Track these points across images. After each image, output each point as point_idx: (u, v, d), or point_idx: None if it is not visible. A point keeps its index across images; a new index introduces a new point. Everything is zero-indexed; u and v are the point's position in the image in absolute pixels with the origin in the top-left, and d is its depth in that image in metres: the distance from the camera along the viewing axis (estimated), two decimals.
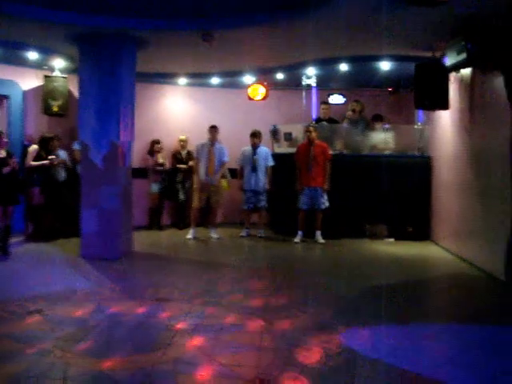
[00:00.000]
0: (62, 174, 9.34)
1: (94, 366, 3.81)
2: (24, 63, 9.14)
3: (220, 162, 9.80)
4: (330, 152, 9.50)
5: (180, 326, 4.75)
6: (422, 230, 9.63)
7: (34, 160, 9.03)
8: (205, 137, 9.90)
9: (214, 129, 9.78)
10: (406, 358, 4.09)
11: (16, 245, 8.37)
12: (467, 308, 5.62)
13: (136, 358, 4.00)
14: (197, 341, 4.37)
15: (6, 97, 9.51)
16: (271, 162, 9.91)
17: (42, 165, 9.00)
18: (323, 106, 10.76)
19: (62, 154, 9.47)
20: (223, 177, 10.49)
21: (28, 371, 3.69)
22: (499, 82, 6.50)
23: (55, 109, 9.52)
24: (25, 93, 9.63)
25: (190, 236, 9.66)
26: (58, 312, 5.11)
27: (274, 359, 3.99)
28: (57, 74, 9.52)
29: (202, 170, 9.69)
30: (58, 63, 9.27)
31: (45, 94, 9.44)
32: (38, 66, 9.30)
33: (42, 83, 9.53)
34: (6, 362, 3.86)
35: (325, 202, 9.29)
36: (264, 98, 10.47)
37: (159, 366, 3.83)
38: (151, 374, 3.68)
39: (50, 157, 9.05)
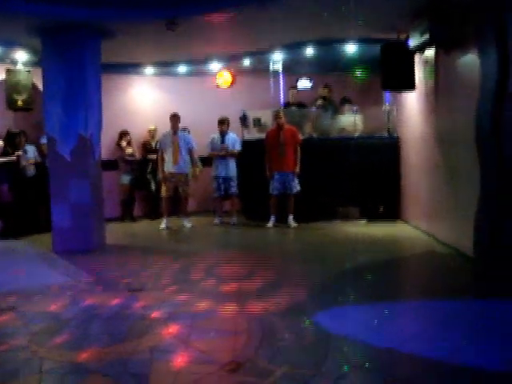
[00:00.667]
0: (30, 170, 9.23)
1: (71, 359, 3.81)
2: None
3: (187, 150, 9.75)
4: (300, 136, 9.55)
5: (155, 314, 4.77)
6: (392, 210, 9.76)
7: (0, 156, 8.89)
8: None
9: (175, 117, 9.72)
10: (376, 334, 4.17)
11: None
12: (437, 284, 5.72)
13: (112, 349, 4.00)
14: (172, 328, 4.40)
15: None
16: (239, 146, 9.93)
17: (9, 161, 8.87)
18: (292, 91, 10.80)
19: (30, 150, 9.35)
20: (194, 165, 10.48)
21: (2, 367, 3.67)
22: (462, 62, 6.60)
23: (20, 103, 9.32)
24: None
25: (163, 226, 9.65)
26: (31, 308, 5.08)
27: (249, 342, 4.03)
28: (20, 67, 9.34)
29: (167, 159, 9.64)
30: (21, 56, 9.07)
31: (8, 89, 9.23)
32: None
33: (4, 77, 9.33)
34: None
35: (296, 186, 9.36)
36: (231, 85, 10.45)
37: (136, 355, 3.84)
38: (128, 363, 3.69)
39: (16, 153, 8.92)
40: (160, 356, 3.83)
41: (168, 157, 9.63)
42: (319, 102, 10.65)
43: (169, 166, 9.63)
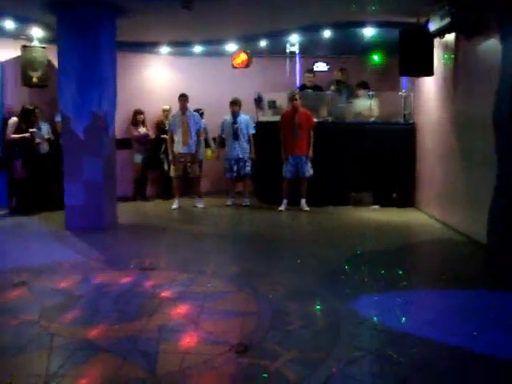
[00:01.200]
0: (44, 147, 9.24)
1: (80, 335, 3.83)
2: (1, 33, 8.93)
3: (196, 130, 9.72)
4: (315, 120, 9.48)
5: (165, 294, 4.78)
6: (406, 197, 9.68)
7: (15, 133, 8.91)
8: (188, 106, 9.82)
9: (183, 97, 9.66)
10: (390, 320, 4.14)
11: None
12: (450, 272, 5.68)
13: (121, 326, 4.02)
14: (181, 308, 4.40)
15: None
16: (253, 130, 9.88)
17: (23, 138, 8.89)
18: (308, 75, 10.68)
19: (44, 127, 9.35)
20: (207, 146, 10.49)
21: (14, 342, 3.70)
22: (483, 47, 6.49)
23: (35, 80, 9.31)
24: (3, 64, 9.44)
25: (174, 206, 9.66)
26: (43, 283, 5.10)
27: (258, 324, 4.03)
28: (35, 44, 9.30)
29: (177, 140, 9.62)
30: (37, 33, 9.05)
31: (24, 65, 9.22)
32: (15, 36, 9.09)
33: (20, 54, 9.32)
34: None
35: (309, 170, 9.30)
36: (247, 66, 10.36)
37: (144, 333, 3.85)
38: (137, 341, 3.71)
39: (30, 130, 8.94)
40: (169, 335, 3.84)
41: (177, 137, 9.61)
42: (333, 86, 10.54)
43: (178, 147, 9.61)
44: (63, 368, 3.30)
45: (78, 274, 5.43)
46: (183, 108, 9.65)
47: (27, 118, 8.99)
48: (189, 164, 9.68)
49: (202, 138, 10.07)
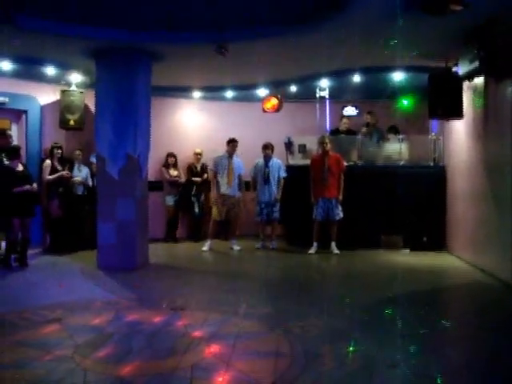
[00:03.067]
0: (80, 188, 9.48)
1: (113, 372, 3.85)
2: (42, 78, 9.31)
3: (238, 175, 9.91)
4: (344, 163, 9.53)
5: (197, 333, 4.78)
6: (437, 241, 9.58)
7: (50, 173, 9.15)
8: (219, 149, 10.04)
9: (234, 142, 9.89)
10: (423, 364, 4.08)
11: (34, 257, 8.50)
12: (483, 317, 5.58)
13: (154, 364, 4.03)
14: (214, 348, 4.39)
15: (24, 111, 9.69)
16: (284, 174, 9.97)
17: (60, 177, 9.13)
18: (345, 120, 10.82)
19: (84, 170, 9.60)
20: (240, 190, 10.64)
21: (47, 377, 3.74)
22: None
23: (72, 123, 9.66)
24: (42, 107, 9.81)
25: (205, 248, 9.72)
26: (76, 320, 5.17)
27: (291, 366, 3.99)
28: (73, 88, 9.68)
29: (222, 182, 9.78)
30: (75, 78, 9.43)
31: (62, 109, 9.59)
32: (55, 81, 9.45)
33: (59, 98, 9.68)
34: (26, 367, 3.91)
35: (339, 213, 9.30)
36: (277, 110, 10.52)
37: (176, 372, 3.85)
38: (169, 380, 3.71)
39: (66, 172, 9.19)
40: (201, 374, 3.83)
41: (222, 179, 9.78)
42: (363, 129, 10.63)
43: (223, 189, 9.78)
44: None
45: (110, 311, 5.48)
46: (232, 152, 9.87)
47: (51, 156, 9.24)
48: (232, 206, 9.82)
49: (242, 183, 10.23)
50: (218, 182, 9.83)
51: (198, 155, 11.11)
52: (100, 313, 5.43)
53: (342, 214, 9.32)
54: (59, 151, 9.36)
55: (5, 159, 8.05)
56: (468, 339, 4.86)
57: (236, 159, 9.97)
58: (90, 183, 9.57)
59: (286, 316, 5.36)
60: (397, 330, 4.91)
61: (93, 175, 9.44)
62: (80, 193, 9.46)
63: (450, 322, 5.45)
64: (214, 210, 9.87)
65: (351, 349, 4.40)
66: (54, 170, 9.18)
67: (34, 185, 8.09)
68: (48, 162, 9.22)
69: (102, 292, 6.44)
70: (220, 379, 3.75)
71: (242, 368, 3.92)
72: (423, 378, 3.80)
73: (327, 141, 9.45)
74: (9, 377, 3.74)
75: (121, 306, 5.77)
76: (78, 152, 9.64)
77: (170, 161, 10.88)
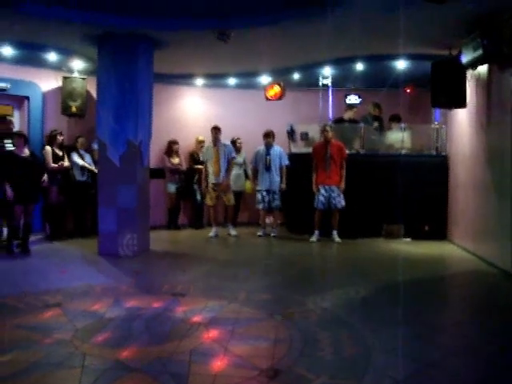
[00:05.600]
0: (82, 174, 9.48)
1: (112, 356, 3.88)
2: (44, 65, 9.29)
3: (227, 161, 9.90)
4: (346, 151, 9.51)
5: (196, 319, 4.80)
6: (438, 230, 9.58)
7: (53, 160, 9.15)
8: (222, 137, 9.99)
9: (215, 129, 9.92)
10: (420, 349, 4.10)
11: (35, 243, 8.51)
12: (481, 304, 5.60)
13: (152, 349, 4.06)
14: (212, 333, 4.41)
15: (26, 98, 9.67)
16: (286, 161, 9.96)
17: (61, 166, 9.16)
18: (349, 111, 10.75)
19: (88, 158, 9.61)
20: (247, 177, 10.67)
21: (47, 360, 3.77)
22: None
23: (74, 109, 9.64)
24: (44, 94, 9.79)
25: (212, 234, 9.80)
26: (76, 305, 5.19)
27: (289, 350, 4.01)
28: (75, 75, 9.66)
29: (210, 171, 9.86)
30: (77, 64, 9.41)
31: (64, 95, 9.58)
32: (57, 67, 9.45)
33: (60, 84, 9.66)
34: (25, 350, 3.94)
35: (341, 201, 9.30)
36: (280, 98, 10.49)
37: (175, 356, 3.87)
38: (167, 364, 3.73)
39: (64, 163, 9.20)
40: (199, 358, 3.85)
41: (210, 168, 9.85)
42: (375, 124, 10.50)
43: (211, 178, 9.84)
44: None
45: (110, 297, 5.50)
46: (215, 140, 9.85)
47: (52, 142, 9.23)
48: (222, 193, 9.82)
49: (241, 170, 10.21)
50: (207, 171, 9.90)
51: (200, 143, 11.10)
52: (100, 298, 5.46)
53: (343, 203, 9.31)
54: (61, 137, 9.36)
55: (7, 145, 8.05)
56: (466, 325, 4.87)
57: (222, 145, 9.92)
58: (93, 167, 9.54)
59: (286, 302, 5.38)
60: (395, 316, 4.91)
61: (95, 162, 9.43)
62: (84, 179, 9.45)
63: (447, 309, 5.47)
64: (207, 197, 10.03)
65: (349, 335, 4.42)
66: (54, 157, 9.17)
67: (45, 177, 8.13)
68: (48, 148, 9.19)
69: (102, 278, 6.47)
70: (218, 363, 3.77)
71: (240, 353, 3.95)
72: (421, 363, 3.81)
73: (329, 129, 9.43)
74: (9, 359, 3.76)
75: (120, 291, 5.80)
76: (81, 139, 9.64)
77: (175, 148, 10.87)
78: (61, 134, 9.37)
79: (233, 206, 10.18)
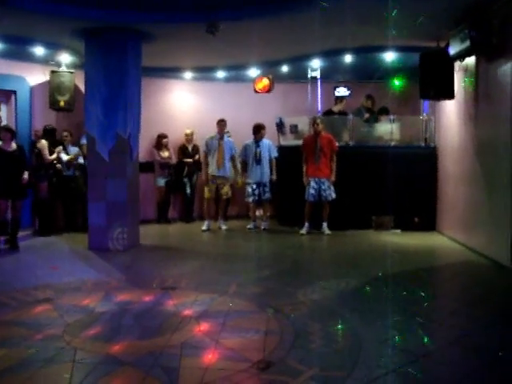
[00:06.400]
0: (69, 169, 9.44)
1: (103, 350, 3.87)
2: (31, 59, 9.22)
3: (230, 155, 9.90)
4: (337, 144, 9.53)
5: (187, 312, 4.81)
6: (428, 221, 9.63)
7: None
8: (211, 130, 9.98)
9: (222, 122, 9.90)
10: (412, 340, 4.12)
11: (24, 238, 8.49)
12: (472, 294, 5.64)
13: (143, 343, 4.06)
14: (204, 326, 4.42)
15: (13, 92, 9.61)
16: (276, 154, 9.97)
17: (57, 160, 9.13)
18: (344, 101, 10.76)
19: (74, 150, 9.57)
20: (238, 174, 10.64)
21: (38, 355, 3.75)
22: (504, 69, 6.50)
23: (62, 104, 9.59)
24: (32, 88, 9.73)
25: (204, 227, 9.80)
26: (66, 300, 5.18)
27: (280, 342, 4.03)
28: (63, 69, 9.59)
29: (211, 163, 9.79)
30: (65, 58, 9.35)
31: (51, 89, 9.51)
32: (44, 61, 9.38)
33: (48, 78, 9.59)
34: (16, 346, 3.93)
35: (331, 194, 9.32)
36: (269, 91, 10.48)
37: (166, 350, 3.87)
38: (158, 357, 3.73)
39: (56, 153, 9.15)
40: (190, 352, 3.85)
41: (213, 160, 9.80)
42: (366, 115, 10.48)
43: (212, 169, 9.78)
44: (86, 381, 3.34)
45: (101, 292, 5.49)
46: (221, 132, 9.85)
47: (51, 136, 9.19)
48: (221, 186, 9.83)
49: (236, 163, 10.20)
50: (208, 162, 9.84)
51: (187, 136, 11.07)
52: (90, 293, 5.45)
53: (334, 195, 9.33)
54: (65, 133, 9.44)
55: None
56: (459, 316, 4.89)
57: (227, 139, 9.96)
58: (82, 161, 9.49)
59: (276, 295, 5.40)
60: (386, 307, 4.95)
61: (84, 157, 9.38)
62: (71, 173, 9.41)
63: (439, 299, 5.51)
64: (205, 190, 9.95)
65: (340, 326, 4.44)
66: (50, 151, 9.13)
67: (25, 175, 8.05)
68: (44, 142, 9.14)
69: (92, 273, 6.46)
70: (209, 356, 3.78)
71: (231, 346, 3.96)
72: (413, 354, 3.83)
73: (319, 121, 9.43)
74: (0, 355, 3.74)
75: (111, 286, 5.79)
76: (65, 133, 9.59)
77: (164, 142, 10.84)
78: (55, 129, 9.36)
79: (228, 199, 10.19)
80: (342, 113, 10.67)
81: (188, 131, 11.08)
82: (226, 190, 9.98)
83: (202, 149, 10.37)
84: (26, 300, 5.16)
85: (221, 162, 9.79)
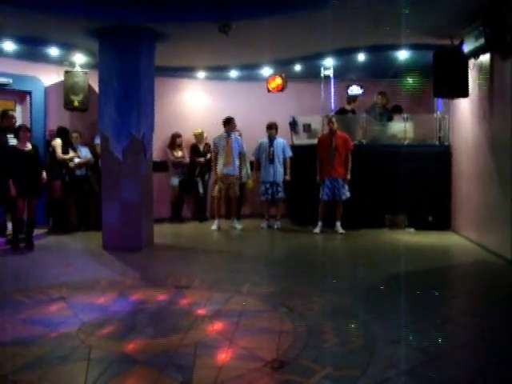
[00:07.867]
0: (81, 169, 9.51)
1: (117, 349, 3.89)
2: (45, 59, 9.30)
3: (238, 153, 9.90)
4: (352, 143, 9.49)
5: (201, 311, 4.82)
6: (442, 220, 9.57)
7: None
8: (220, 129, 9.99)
9: (229, 121, 9.88)
10: (426, 340, 4.10)
11: (39, 237, 8.54)
12: (487, 294, 5.60)
13: (158, 341, 4.07)
14: (217, 325, 4.42)
15: (28, 92, 9.69)
16: (290, 153, 9.96)
17: (71, 159, 9.20)
18: (356, 100, 10.74)
19: (83, 150, 9.63)
20: (248, 177, 10.66)
21: (52, 354, 3.78)
22: None
23: (76, 104, 9.64)
24: (46, 88, 9.81)
25: (214, 227, 9.80)
26: (81, 299, 5.22)
27: (293, 342, 4.02)
28: (77, 69, 9.65)
29: (220, 161, 9.79)
30: (79, 59, 9.40)
31: (66, 89, 9.57)
32: (59, 61, 9.45)
33: (62, 79, 9.66)
34: (31, 345, 3.96)
35: (346, 193, 9.29)
36: (282, 90, 10.46)
37: (180, 349, 3.88)
38: (173, 356, 3.74)
39: (70, 156, 9.22)
40: (204, 351, 3.86)
41: (221, 159, 9.80)
42: (379, 110, 10.44)
43: (220, 168, 9.81)
44: (101, 379, 3.36)
45: (115, 290, 5.53)
46: (229, 130, 9.86)
47: (65, 136, 9.27)
48: (231, 185, 9.83)
49: (246, 161, 10.21)
50: (217, 161, 9.85)
51: (197, 136, 11.09)
52: (105, 292, 5.48)
53: (348, 194, 9.31)
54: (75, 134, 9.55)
55: (10, 140, 8.06)
56: (473, 316, 4.87)
57: (235, 137, 9.97)
58: (93, 159, 9.56)
59: (290, 294, 5.38)
60: (400, 307, 4.93)
61: (97, 157, 9.43)
62: (81, 174, 9.49)
63: (453, 299, 5.47)
64: (214, 189, 10.00)
65: (354, 326, 4.43)
66: (62, 150, 9.21)
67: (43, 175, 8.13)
68: (58, 140, 9.24)
69: (106, 271, 6.50)
70: (223, 356, 3.78)
71: (245, 345, 3.96)
72: (427, 354, 3.81)
73: (334, 120, 9.41)
74: (15, 353, 3.78)
75: (125, 285, 5.82)
76: (75, 134, 9.66)
77: (178, 141, 10.88)
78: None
79: (238, 198, 10.18)
80: (355, 111, 10.65)
81: (197, 130, 11.10)
82: (235, 189, 9.97)
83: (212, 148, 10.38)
84: (40, 298, 5.21)
85: (229, 160, 9.78)
